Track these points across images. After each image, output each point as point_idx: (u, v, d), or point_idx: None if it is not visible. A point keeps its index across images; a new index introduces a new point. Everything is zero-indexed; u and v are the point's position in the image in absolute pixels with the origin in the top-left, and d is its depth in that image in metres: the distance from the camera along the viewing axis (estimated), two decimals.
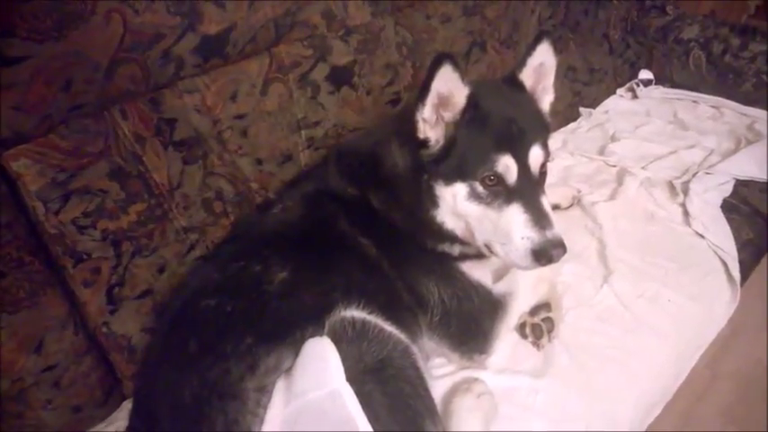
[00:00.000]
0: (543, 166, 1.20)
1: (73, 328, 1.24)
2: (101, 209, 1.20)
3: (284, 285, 1.13)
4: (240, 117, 1.37)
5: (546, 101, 1.31)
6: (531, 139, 1.17)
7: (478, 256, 1.29)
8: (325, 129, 1.55)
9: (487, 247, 1.20)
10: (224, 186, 1.39)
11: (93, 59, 1.13)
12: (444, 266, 1.28)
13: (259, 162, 1.44)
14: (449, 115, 1.15)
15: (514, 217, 1.13)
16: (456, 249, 1.27)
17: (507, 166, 1.14)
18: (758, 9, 2.54)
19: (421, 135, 1.16)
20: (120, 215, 1.23)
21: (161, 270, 1.32)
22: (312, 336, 1.04)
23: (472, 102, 1.14)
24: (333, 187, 1.31)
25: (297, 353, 1.02)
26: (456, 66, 1.09)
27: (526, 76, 1.26)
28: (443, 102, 1.14)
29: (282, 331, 1.06)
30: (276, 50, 1.39)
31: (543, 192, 1.20)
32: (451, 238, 1.24)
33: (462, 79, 1.12)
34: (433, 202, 1.20)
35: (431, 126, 1.16)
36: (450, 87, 1.12)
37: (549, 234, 1.12)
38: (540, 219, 1.13)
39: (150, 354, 1.20)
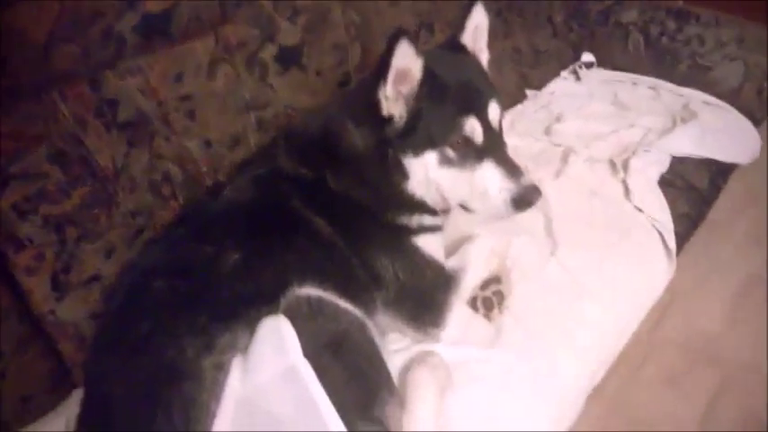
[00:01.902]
0: (501, 120, 1.27)
1: (18, 317, 1.21)
2: (42, 193, 1.17)
3: (238, 265, 1.13)
4: (186, 98, 1.35)
5: (484, 60, 1.38)
6: (487, 97, 1.23)
7: (433, 228, 1.34)
8: (275, 110, 1.54)
9: (463, 206, 1.26)
10: (172, 169, 1.37)
11: (29, 39, 1.10)
12: (399, 242, 1.31)
13: (208, 144, 1.42)
14: (407, 88, 1.18)
15: (488, 173, 1.20)
16: (415, 221, 1.31)
17: (473, 126, 1.19)
18: None
19: (385, 112, 1.19)
20: (62, 199, 1.20)
21: (108, 255, 1.29)
22: (268, 314, 1.04)
23: (427, 71, 1.18)
24: (284, 168, 1.31)
25: (252, 331, 1.03)
26: (412, 41, 1.13)
27: (466, 39, 1.33)
28: (402, 77, 1.16)
29: (237, 310, 1.06)
30: (222, 30, 1.37)
31: (506, 143, 1.27)
32: (419, 207, 1.29)
33: (417, 53, 1.15)
34: (403, 174, 1.23)
35: (393, 102, 1.18)
36: (407, 62, 1.15)
37: (523, 181, 1.19)
38: (511, 169, 1.20)
39: (100, 338, 1.17)
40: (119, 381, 1.03)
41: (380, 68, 1.15)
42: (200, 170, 1.43)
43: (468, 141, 1.20)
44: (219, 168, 1.45)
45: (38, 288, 1.20)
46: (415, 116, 1.20)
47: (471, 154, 1.20)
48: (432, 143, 1.20)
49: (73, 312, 1.26)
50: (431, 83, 1.19)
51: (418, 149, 1.21)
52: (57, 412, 1.29)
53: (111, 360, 1.07)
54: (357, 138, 1.25)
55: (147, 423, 0.97)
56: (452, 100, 1.20)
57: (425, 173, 1.22)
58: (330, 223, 1.25)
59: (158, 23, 1.28)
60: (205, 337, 1.02)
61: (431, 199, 1.28)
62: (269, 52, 1.48)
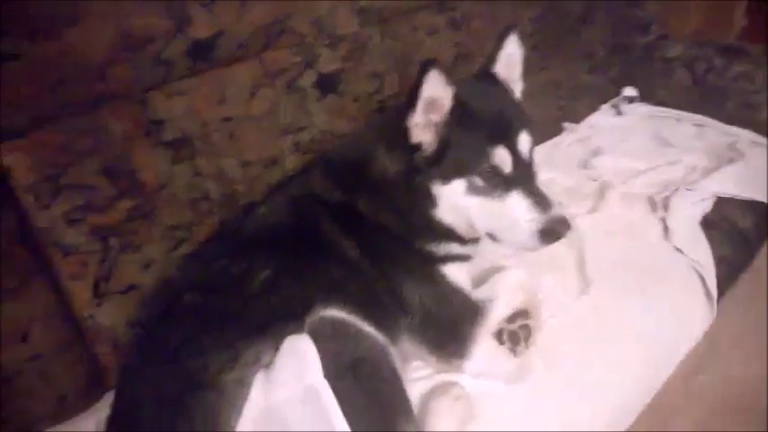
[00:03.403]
0: (532, 150, 1.26)
1: (59, 320, 1.27)
2: (90, 204, 1.23)
3: (266, 284, 1.16)
4: (228, 120, 1.41)
5: (518, 90, 1.38)
6: (518, 127, 1.23)
7: (461, 257, 1.34)
8: (312, 134, 1.58)
9: (490, 236, 1.25)
10: (210, 187, 1.42)
11: (85, 60, 1.17)
12: (426, 269, 1.31)
13: (245, 164, 1.47)
14: (437, 117, 1.20)
15: (516, 202, 1.20)
16: (442, 249, 1.31)
17: (502, 156, 1.20)
18: (744, 30, 2.59)
19: (414, 140, 1.21)
20: (108, 211, 1.26)
21: (147, 266, 1.35)
22: (292, 333, 1.06)
23: (457, 100, 1.20)
24: (317, 191, 1.34)
25: (276, 348, 1.05)
26: (441, 70, 1.15)
27: (499, 69, 1.34)
28: (432, 105, 1.19)
29: (263, 327, 1.08)
30: (265, 56, 1.44)
31: (536, 174, 1.27)
32: (447, 235, 1.29)
33: (448, 82, 1.17)
34: (432, 201, 1.24)
35: (422, 130, 1.21)
36: (437, 91, 1.17)
37: (552, 213, 1.19)
38: (540, 201, 1.20)
39: (133, 347, 1.23)
40: (147, 387, 1.07)
41: (411, 96, 1.17)
42: (237, 189, 1.48)
43: (496, 171, 1.20)
44: (255, 188, 1.50)
45: (80, 293, 1.26)
46: (444, 144, 1.21)
47: (500, 183, 1.20)
48: (460, 171, 1.21)
49: (110, 318, 1.32)
50: (461, 111, 1.20)
51: (447, 177, 1.22)
52: (89, 413, 1.33)
53: (142, 367, 1.12)
54: (388, 164, 1.28)
55: (170, 430, 1.00)
56: (482, 129, 1.21)
57: (454, 200, 1.23)
58: (359, 247, 1.27)
59: (205, 49, 1.34)
60: (230, 351, 1.05)
61: (459, 227, 1.28)
62: (309, 78, 1.54)
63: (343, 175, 1.34)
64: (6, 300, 1.18)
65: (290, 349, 1.05)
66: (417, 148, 1.22)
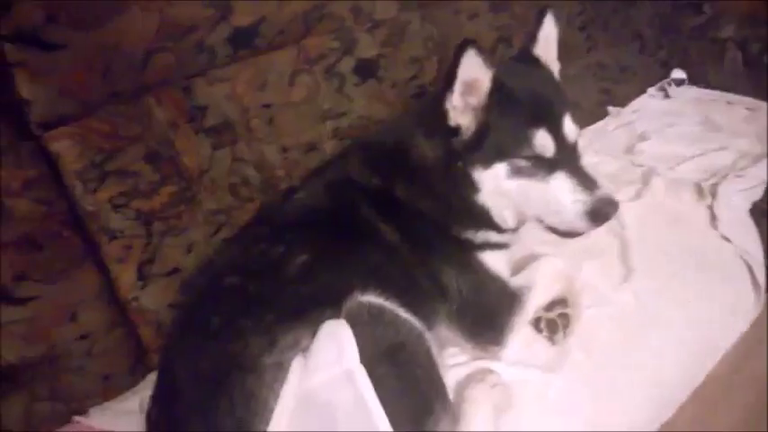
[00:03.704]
0: (576, 133, 1.23)
1: (106, 301, 1.32)
2: (135, 189, 1.27)
3: (304, 268, 1.17)
4: (268, 106, 1.43)
5: (555, 71, 1.35)
6: (560, 108, 1.21)
7: (499, 246, 1.32)
8: (350, 120, 1.59)
9: (538, 220, 1.24)
10: (250, 172, 1.45)
11: (130, 48, 1.20)
12: (465, 255, 1.30)
13: (285, 150, 1.49)
14: (475, 100, 1.18)
15: (561, 184, 1.17)
16: (480, 237, 1.30)
17: (544, 138, 1.17)
18: None
19: (452, 123, 1.19)
20: (152, 196, 1.30)
21: (189, 250, 1.38)
22: (330, 318, 1.07)
23: (497, 83, 1.17)
24: (355, 177, 1.34)
25: (314, 333, 1.05)
26: (479, 50, 1.12)
27: (539, 50, 1.30)
28: (470, 87, 1.16)
29: (301, 311, 1.09)
30: (304, 43, 1.45)
31: (581, 157, 1.24)
32: (486, 222, 1.28)
33: (486, 63, 1.14)
34: (473, 187, 1.23)
35: (460, 113, 1.19)
36: (475, 72, 1.14)
37: (599, 194, 1.16)
38: (586, 181, 1.17)
39: (176, 328, 1.25)
40: (188, 369, 1.09)
41: (448, 77, 1.15)
42: (277, 174, 1.50)
43: (538, 154, 1.18)
44: (295, 173, 1.51)
45: (125, 276, 1.31)
46: (483, 128, 1.19)
47: (543, 165, 1.18)
48: (501, 155, 1.19)
49: (154, 301, 1.36)
50: (501, 94, 1.18)
51: (488, 161, 1.20)
52: (132, 392, 1.38)
53: (183, 349, 1.14)
54: (427, 149, 1.26)
55: (211, 411, 1.02)
56: (522, 111, 1.19)
57: (496, 184, 1.21)
58: (397, 232, 1.26)
59: (246, 36, 1.35)
60: (269, 335, 1.06)
61: (502, 212, 1.27)
62: (347, 64, 1.54)
63: (380, 161, 1.33)
64: (56, 281, 1.23)
65: (327, 334, 1.05)
66: (456, 132, 1.20)
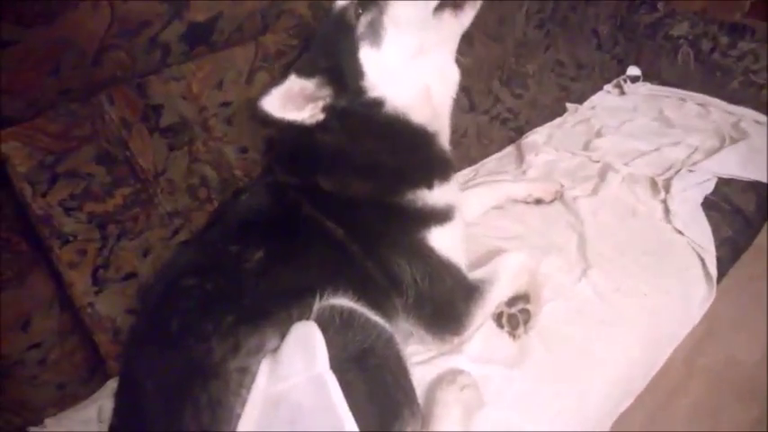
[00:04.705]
0: None
1: (59, 308, 1.27)
2: (87, 192, 1.22)
3: (261, 264, 1.15)
4: (226, 105, 1.39)
5: None
6: None
7: (441, 216, 1.31)
8: None
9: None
10: (208, 173, 1.41)
11: (81, 45, 1.15)
12: (411, 239, 1.28)
13: (243, 150, 1.46)
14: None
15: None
16: (419, 199, 1.28)
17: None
18: (753, 7, 2.54)
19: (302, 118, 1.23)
20: (106, 198, 1.26)
21: (145, 253, 1.34)
22: (298, 318, 1.06)
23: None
24: (281, 179, 1.32)
25: (281, 334, 1.04)
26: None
27: None
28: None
29: (264, 312, 1.07)
30: (262, 39, 1.41)
31: None
32: (412, 150, 1.28)
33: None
34: (377, 103, 1.24)
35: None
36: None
37: None
38: None
39: (134, 334, 1.22)
40: (150, 377, 1.06)
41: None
42: (235, 175, 1.47)
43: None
44: (254, 174, 1.48)
45: (79, 281, 1.26)
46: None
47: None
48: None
49: (110, 306, 1.31)
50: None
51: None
52: (90, 400, 1.34)
53: (143, 356, 1.11)
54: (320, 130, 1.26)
55: (176, 419, 0.99)
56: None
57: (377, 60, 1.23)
58: (340, 227, 1.24)
59: (202, 32, 1.32)
60: (232, 338, 1.03)
61: (418, 112, 1.27)
62: None
63: (291, 159, 1.32)
64: (6, 289, 1.18)
65: (297, 337, 1.03)
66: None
